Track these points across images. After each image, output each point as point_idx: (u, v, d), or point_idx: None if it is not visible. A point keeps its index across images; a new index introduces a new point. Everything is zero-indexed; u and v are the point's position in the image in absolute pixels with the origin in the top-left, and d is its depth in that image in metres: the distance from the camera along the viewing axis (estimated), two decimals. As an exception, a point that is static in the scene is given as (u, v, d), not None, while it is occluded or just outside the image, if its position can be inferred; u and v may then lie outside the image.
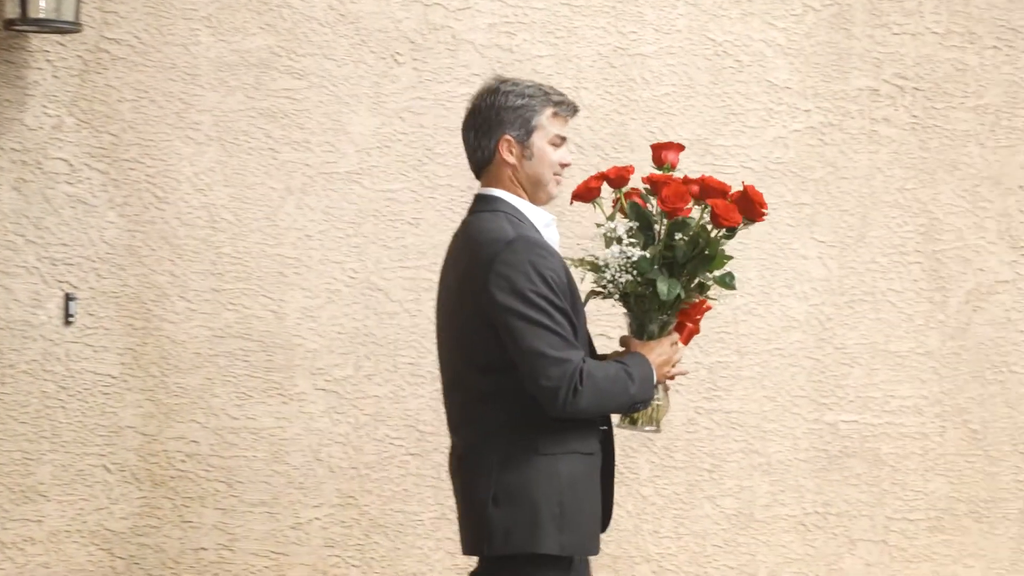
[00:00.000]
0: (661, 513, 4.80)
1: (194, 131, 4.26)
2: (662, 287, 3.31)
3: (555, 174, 3.39)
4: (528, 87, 3.38)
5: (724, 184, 3.38)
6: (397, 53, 4.45)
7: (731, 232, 3.41)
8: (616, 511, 4.73)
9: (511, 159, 3.37)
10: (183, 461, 4.29)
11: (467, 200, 4.57)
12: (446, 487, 4.55)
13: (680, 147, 3.56)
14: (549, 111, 3.35)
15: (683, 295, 3.36)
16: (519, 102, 3.35)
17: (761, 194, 3.41)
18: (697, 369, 4.81)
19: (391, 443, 4.50)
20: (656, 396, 3.40)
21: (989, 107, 5.13)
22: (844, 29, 4.96)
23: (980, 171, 5.13)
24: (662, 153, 3.55)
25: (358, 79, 4.42)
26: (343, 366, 4.43)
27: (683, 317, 3.47)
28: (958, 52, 5.09)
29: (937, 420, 5.10)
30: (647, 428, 3.47)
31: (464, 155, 4.54)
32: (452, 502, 4.58)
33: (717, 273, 3.44)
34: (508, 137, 3.35)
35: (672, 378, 3.46)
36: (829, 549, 4.99)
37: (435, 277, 4.52)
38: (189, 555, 4.31)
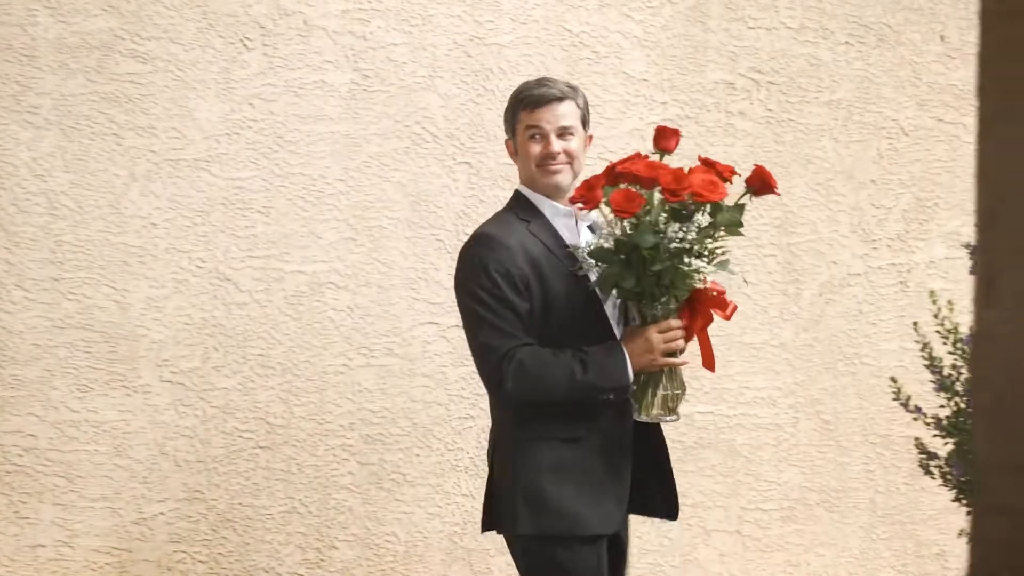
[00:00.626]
0: (516, 505, 4.71)
1: (32, 115, 4.06)
2: (613, 278, 3.35)
3: (538, 166, 3.47)
4: (518, 88, 3.55)
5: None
6: (247, 38, 4.30)
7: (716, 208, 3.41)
8: (472, 504, 4.65)
9: (513, 159, 3.56)
10: (20, 456, 4.10)
11: (319, 188, 4.44)
12: (296, 480, 4.41)
13: (676, 132, 3.55)
14: (520, 107, 3.48)
15: (635, 286, 3.36)
16: (507, 105, 3.53)
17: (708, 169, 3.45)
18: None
19: (240, 436, 4.35)
20: (659, 383, 3.44)
21: (842, 102, 5.11)
22: (700, 22, 4.90)
23: (833, 165, 5.11)
24: (661, 142, 3.53)
25: (206, 64, 4.26)
26: (190, 357, 4.27)
27: (697, 305, 3.43)
28: (812, 47, 5.07)
29: (790, 411, 5.07)
30: (667, 418, 3.49)
31: (314, 144, 4.41)
32: (301, 495, 4.45)
33: (716, 261, 3.43)
34: (507, 139, 3.55)
35: (670, 366, 3.45)
36: (684, 540, 4.94)
37: (285, 267, 4.39)
38: (26, 552, 4.12)
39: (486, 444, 4.65)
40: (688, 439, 4.91)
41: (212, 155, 4.27)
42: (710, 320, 3.49)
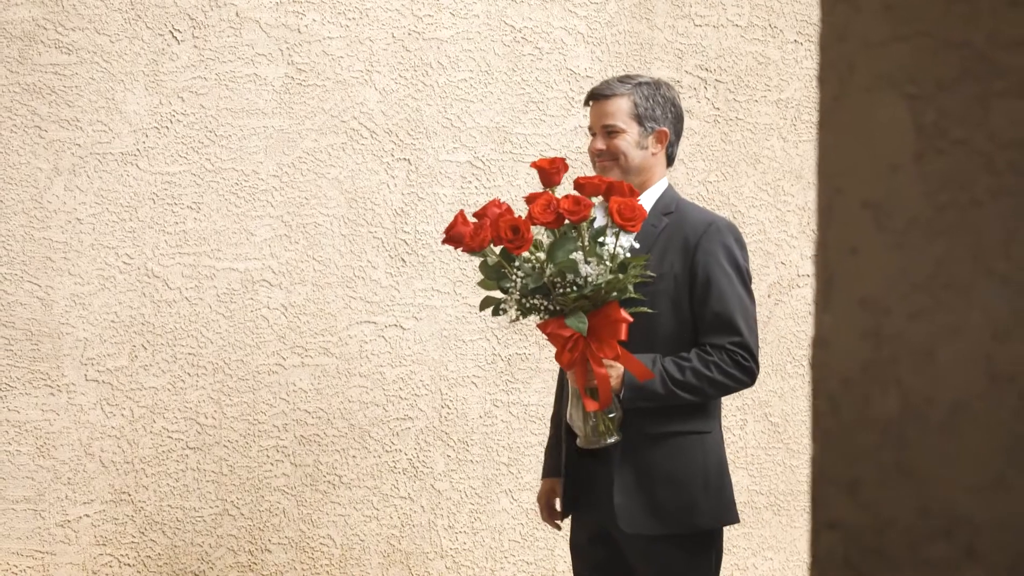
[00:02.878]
0: (457, 508, 4.43)
1: (-50, 105, 3.79)
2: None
3: (593, 162, 3.44)
4: None
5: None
6: (176, 30, 4.02)
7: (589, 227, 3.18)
8: (410, 506, 4.37)
9: None
10: (-62, 456, 3.82)
11: (252, 184, 4.17)
12: (228, 482, 4.13)
13: (563, 161, 3.27)
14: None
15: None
16: None
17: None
18: (495, 361, 4.45)
19: (169, 436, 4.06)
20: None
21: (791, 101, 4.84)
22: (646, 19, 4.63)
23: (782, 164, 4.84)
24: (553, 176, 3.24)
25: (133, 56, 3.98)
26: (117, 356, 3.98)
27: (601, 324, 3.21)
28: (760, 45, 4.80)
29: (739, 413, 4.79)
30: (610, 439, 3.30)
31: (247, 139, 4.13)
32: (233, 497, 4.17)
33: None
34: None
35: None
36: (630, 543, 4.65)
37: (216, 264, 4.11)
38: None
39: (424, 446, 4.38)
40: (634, 441, 4.64)
41: (140, 149, 3.99)
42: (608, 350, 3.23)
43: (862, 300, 1.11)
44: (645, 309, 3.25)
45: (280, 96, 4.13)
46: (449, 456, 4.39)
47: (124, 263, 3.97)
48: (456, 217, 3.17)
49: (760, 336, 4.79)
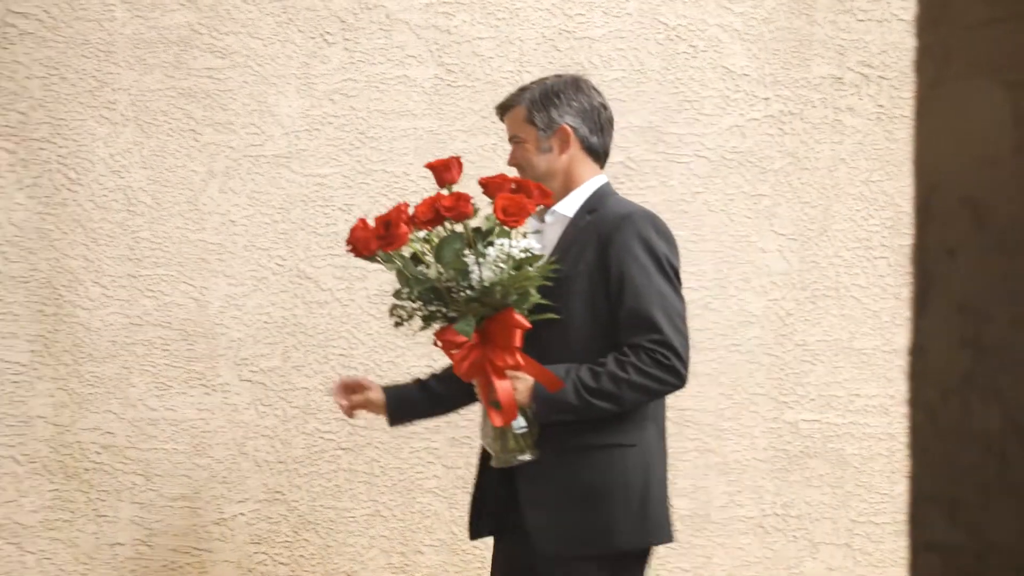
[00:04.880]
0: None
1: (109, 111, 3.86)
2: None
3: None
4: None
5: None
6: (327, 32, 4.04)
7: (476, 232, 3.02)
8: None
9: None
10: (98, 453, 3.90)
11: (402, 186, 4.17)
12: (379, 483, 4.14)
13: (457, 160, 3.13)
14: None
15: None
16: None
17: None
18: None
19: (321, 437, 4.09)
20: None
21: (960, 96, 4.65)
22: (805, 15, 4.50)
23: (950, 163, 4.66)
24: (444, 174, 3.09)
25: (285, 59, 4.01)
26: (270, 356, 4.02)
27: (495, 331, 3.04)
28: (926, 39, 4.62)
29: (904, 421, 4.62)
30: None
31: (397, 140, 4.14)
32: (385, 498, 4.17)
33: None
34: None
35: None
36: (789, 552, 4.52)
37: (368, 265, 4.12)
38: (104, 551, 3.91)
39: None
40: (793, 448, 4.50)
41: (292, 151, 4.03)
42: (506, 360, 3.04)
43: (960, 306, 1.02)
44: (551, 315, 3.02)
45: (430, 97, 4.12)
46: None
47: (277, 264, 4.01)
48: (356, 223, 3.01)
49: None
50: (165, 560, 3.94)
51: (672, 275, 3.13)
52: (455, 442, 4.18)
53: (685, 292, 4.34)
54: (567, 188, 3.21)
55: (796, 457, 4.49)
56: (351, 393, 3.33)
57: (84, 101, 3.83)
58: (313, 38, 4.02)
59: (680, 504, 4.40)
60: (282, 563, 4.03)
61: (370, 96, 4.05)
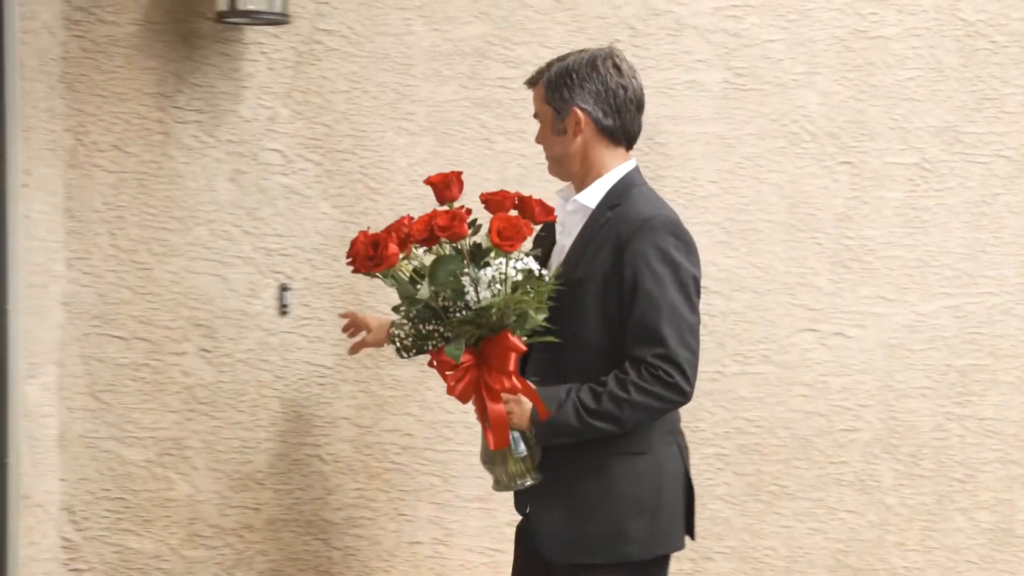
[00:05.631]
0: (907, 524, 4.23)
1: (408, 121, 3.99)
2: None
3: None
4: None
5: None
6: (616, 39, 4.06)
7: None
8: (857, 520, 4.21)
9: None
10: (398, 454, 4.02)
11: (690, 191, 4.15)
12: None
13: (458, 176, 3.05)
14: None
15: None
16: None
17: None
18: (946, 372, 4.22)
19: (612, 442, 4.11)
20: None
21: None
22: (1115, 4, 4.28)
23: None
24: (444, 191, 3.03)
25: (576, 67, 4.06)
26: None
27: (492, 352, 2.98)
28: None
29: None
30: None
31: (686, 145, 4.13)
32: (699, 502, 4.15)
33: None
34: None
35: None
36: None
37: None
38: (404, 548, 4.03)
39: (870, 458, 4.21)
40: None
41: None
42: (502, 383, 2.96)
43: None
44: (551, 339, 2.92)
45: (719, 102, 4.10)
46: (898, 470, 4.20)
47: (568, 270, 4.05)
48: (357, 236, 2.96)
49: None
50: (462, 559, 4.02)
51: (690, 287, 2.99)
52: (745, 449, 4.14)
53: (986, 297, 4.19)
54: (588, 173, 3.10)
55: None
56: (352, 329, 3.53)
57: (384, 113, 3.97)
58: (602, 45, 4.05)
59: (981, 517, 4.23)
60: (574, 566, 4.06)
61: (659, 102, 4.06)
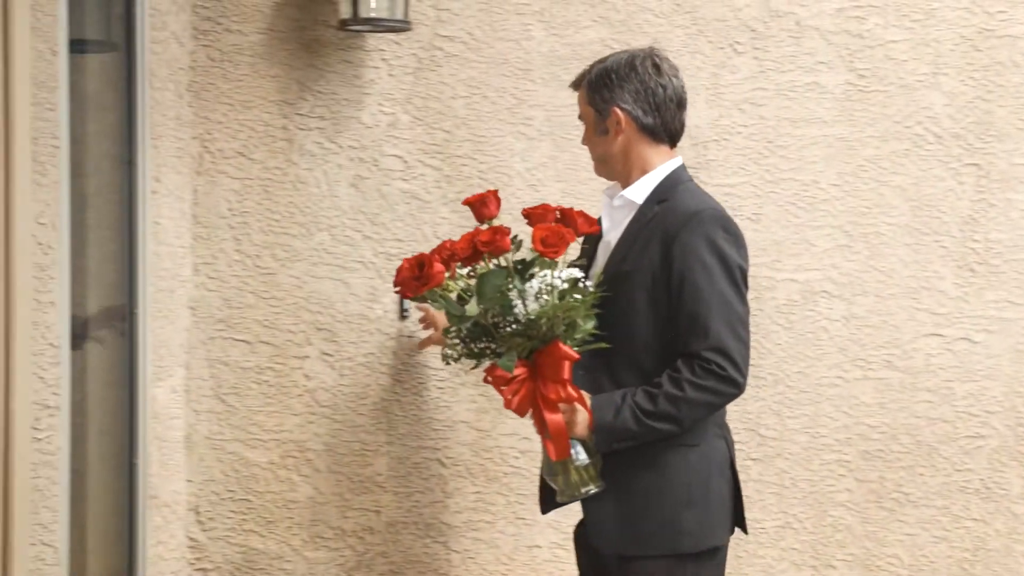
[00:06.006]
0: (1036, 534, 4.15)
1: (526, 126, 4.00)
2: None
3: None
4: None
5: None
6: (736, 42, 4.03)
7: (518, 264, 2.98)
8: (983, 529, 4.13)
9: None
10: (516, 458, 4.03)
11: (811, 194, 4.11)
12: (789, 495, 4.09)
13: (494, 194, 3.09)
14: None
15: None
16: None
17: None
18: (1077, 378, 4.13)
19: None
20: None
21: None
22: None
23: None
24: (482, 209, 3.07)
25: (695, 70, 4.04)
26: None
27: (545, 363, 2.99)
28: None
29: None
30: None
31: (807, 148, 4.09)
32: (796, 510, 4.12)
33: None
34: None
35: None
36: None
37: (776, 275, 4.09)
38: (523, 552, 4.04)
39: (997, 466, 4.13)
40: None
41: (702, 162, 4.04)
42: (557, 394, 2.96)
43: None
44: (602, 344, 2.93)
45: (841, 104, 4.05)
46: (1026, 478, 4.12)
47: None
48: (401, 264, 3.01)
49: None
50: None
51: (738, 279, 3.02)
52: (867, 455, 4.08)
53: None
54: (632, 172, 3.13)
55: None
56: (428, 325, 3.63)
57: (503, 118, 3.99)
58: (722, 48, 4.03)
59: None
60: (693, 572, 4.04)
61: (779, 104, 4.02)
